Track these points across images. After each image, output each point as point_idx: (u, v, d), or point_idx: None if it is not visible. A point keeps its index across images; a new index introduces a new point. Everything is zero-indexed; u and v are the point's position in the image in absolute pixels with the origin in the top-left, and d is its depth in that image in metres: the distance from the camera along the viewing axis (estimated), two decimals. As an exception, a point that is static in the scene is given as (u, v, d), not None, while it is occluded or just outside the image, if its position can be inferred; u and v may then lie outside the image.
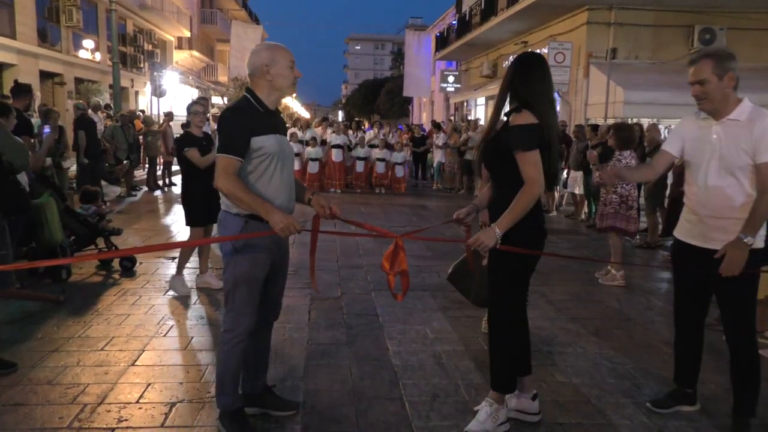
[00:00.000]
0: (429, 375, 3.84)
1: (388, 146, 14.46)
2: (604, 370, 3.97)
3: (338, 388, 3.61)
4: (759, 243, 3.00)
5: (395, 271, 2.95)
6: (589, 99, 14.68)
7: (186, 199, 5.54)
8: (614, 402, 3.50)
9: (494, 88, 20.62)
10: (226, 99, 27.96)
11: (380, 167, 14.25)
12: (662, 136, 9.06)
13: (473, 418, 3.13)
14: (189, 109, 5.46)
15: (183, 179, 5.79)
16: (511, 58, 18.71)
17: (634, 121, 11.16)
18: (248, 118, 2.84)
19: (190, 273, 5.88)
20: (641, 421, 3.30)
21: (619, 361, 4.13)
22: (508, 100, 3.06)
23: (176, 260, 6.44)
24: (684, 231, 3.23)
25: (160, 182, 13.99)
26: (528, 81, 2.96)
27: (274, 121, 2.94)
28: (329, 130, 15.34)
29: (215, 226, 4.70)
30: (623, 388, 3.72)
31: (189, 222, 5.52)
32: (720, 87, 2.97)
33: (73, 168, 10.34)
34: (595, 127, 10.36)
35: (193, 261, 6.02)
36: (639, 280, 6.42)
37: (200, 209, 5.39)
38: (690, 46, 13.99)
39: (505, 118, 3.02)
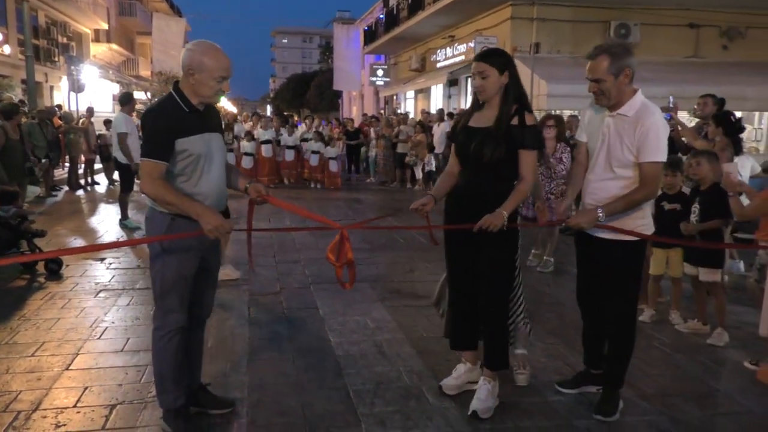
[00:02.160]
0: (371, 363, 3.92)
1: (322, 139, 14.34)
2: (537, 351, 4.16)
3: (283, 381, 3.63)
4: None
5: (341, 263, 3.00)
6: (515, 92, 15.14)
7: None
8: (548, 380, 3.69)
9: (423, 82, 20.95)
10: (149, 94, 27.01)
11: (314, 160, 14.07)
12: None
13: (474, 399, 3.26)
14: None
15: None
16: (443, 53, 19.11)
17: (557, 112, 11.61)
18: (171, 120, 2.77)
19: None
20: (573, 396, 3.50)
21: (551, 342, 4.34)
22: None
23: (104, 261, 6.31)
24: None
25: (82, 181, 13.41)
26: (519, 81, 3.23)
27: (201, 120, 2.86)
28: (257, 124, 15.11)
29: None
30: (555, 366, 3.92)
31: None
32: (615, 84, 3.03)
33: None
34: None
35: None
36: (569, 266, 6.71)
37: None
38: (607, 40, 14.68)
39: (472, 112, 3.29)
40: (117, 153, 8.33)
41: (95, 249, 6.96)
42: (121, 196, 8.68)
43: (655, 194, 3.14)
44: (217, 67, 2.77)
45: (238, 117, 18.39)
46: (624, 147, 3.06)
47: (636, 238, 3.16)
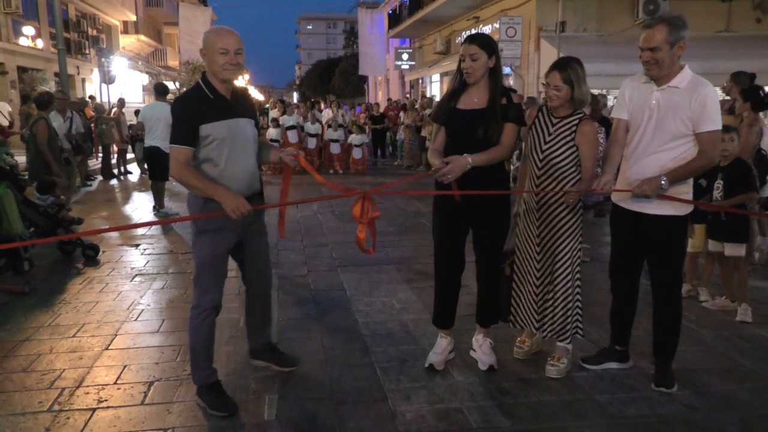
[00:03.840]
0: (397, 342, 4.02)
1: (341, 126, 14.43)
2: (561, 329, 4.20)
3: (311, 359, 3.74)
4: (684, 209, 3.25)
5: (367, 219, 3.09)
6: (541, 72, 14.96)
7: None
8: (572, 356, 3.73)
9: (448, 65, 20.79)
10: (177, 83, 27.41)
11: (335, 148, 14.15)
12: (610, 107, 9.37)
13: (481, 356, 3.59)
14: None
15: None
16: (468, 34, 18.95)
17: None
18: (195, 107, 2.94)
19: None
20: (596, 372, 3.55)
21: (575, 320, 4.37)
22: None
23: (139, 247, 6.51)
24: (617, 194, 3.38)
25: (116, 171, 13.74)
26: (501, 65, 3.43)
27: (227, 106, 3.00)
28: (282, 111, 15.24)
29: None
30: (579, 343, 3.94)
31: None
32: (670, 55, 3.06)
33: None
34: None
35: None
36: (595, 246, 6.71)
37: None
38: (635, 17, 14.37)
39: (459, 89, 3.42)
40: (155, 141, 8.44)
41: (131, 228, 7.18)
42: (155, 185, 8.83)
43: (715, 161, 3.22)
44: (217, 40, 2.94)
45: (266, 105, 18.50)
46: (678, 119, 3.09)
47: (682, 213, 3.23)
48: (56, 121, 8.25)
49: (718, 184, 4.46)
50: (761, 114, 5.41)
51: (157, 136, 8.41)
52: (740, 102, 5.46)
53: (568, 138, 3.35)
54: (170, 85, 30.20)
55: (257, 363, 3.57)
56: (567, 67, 3.31)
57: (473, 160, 3.18)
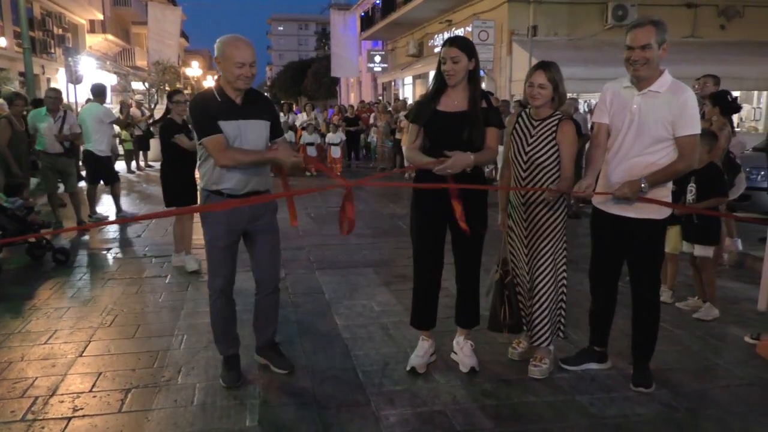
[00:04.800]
0: (378, 345, 4.00)
1: (317, 129, 14.36)
2: (540, 330, 4.23)
3: (293, 363, 3.70)
4: (663, 213, 3.29)
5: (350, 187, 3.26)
6: (513, 76, 15.14)
7: (169, 182, 5.72)
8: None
9: (421, 67, 20.89)
10: (146, 84, 26.93)
11: (311, 151, 14.06)
12: (581, 110, 9.52)
13: (463, 358, 3.60)
14: (171, 98, 5.81)
15: (167, 164, 5.79)
16: (440, 38, 19.06)
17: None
18: (208, 105, 3.17)
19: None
20: (576, 373, 3.59)
21: (553, 321, 4.41)
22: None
23: (109, 251, 6.39)
24: (598, 197, 3.42)
25: (83, 173, 13.43)
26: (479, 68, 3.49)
27: (234, 108, 3.17)
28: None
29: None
30: (559, 344, 3.98)
31: (173, 204, 5.70)
32: (657, 55, 3.08)
33: None
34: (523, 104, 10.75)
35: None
36: (569, 248, 6.78)
37: (183, 191, 5.69)
38: (604, 22, 14.63)
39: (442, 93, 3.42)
40: (91, 146, 8.21)
41: (119, 222, 7.03)
42: (92, 189, 8.60)
43: (694, 165, 3.25)
44: (235, 54, 3.09)
45: None
46: (659, 124, 3.12)
47: (662, 217, 3.27)
48: (45, 121, 7.86)
49: (691, 187, 4.55)
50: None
51: (96, 140, 8.19)
52: (709, 107, 5.61)
53: (550, 138, 3.40)
54: (139, 85, 29.71)
55: (259, 359, 3.66)
56: (551, 68, 3.37)
57: (474, 157, 3.21)
